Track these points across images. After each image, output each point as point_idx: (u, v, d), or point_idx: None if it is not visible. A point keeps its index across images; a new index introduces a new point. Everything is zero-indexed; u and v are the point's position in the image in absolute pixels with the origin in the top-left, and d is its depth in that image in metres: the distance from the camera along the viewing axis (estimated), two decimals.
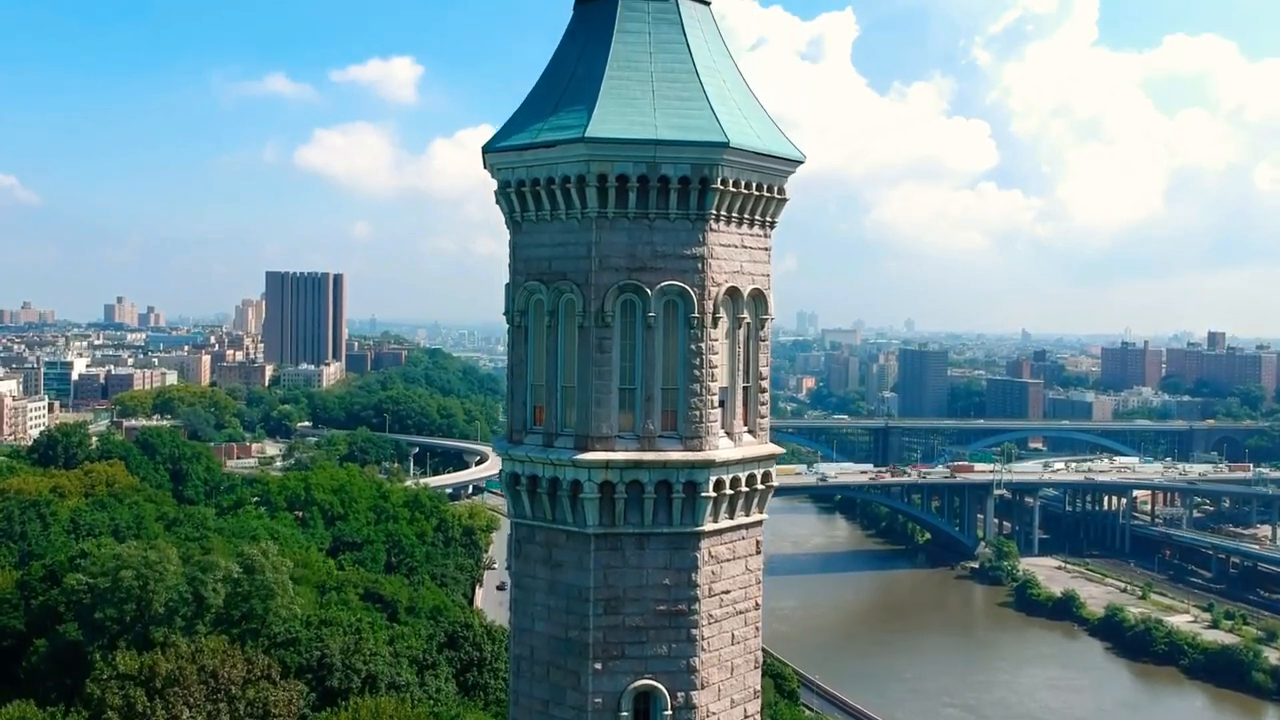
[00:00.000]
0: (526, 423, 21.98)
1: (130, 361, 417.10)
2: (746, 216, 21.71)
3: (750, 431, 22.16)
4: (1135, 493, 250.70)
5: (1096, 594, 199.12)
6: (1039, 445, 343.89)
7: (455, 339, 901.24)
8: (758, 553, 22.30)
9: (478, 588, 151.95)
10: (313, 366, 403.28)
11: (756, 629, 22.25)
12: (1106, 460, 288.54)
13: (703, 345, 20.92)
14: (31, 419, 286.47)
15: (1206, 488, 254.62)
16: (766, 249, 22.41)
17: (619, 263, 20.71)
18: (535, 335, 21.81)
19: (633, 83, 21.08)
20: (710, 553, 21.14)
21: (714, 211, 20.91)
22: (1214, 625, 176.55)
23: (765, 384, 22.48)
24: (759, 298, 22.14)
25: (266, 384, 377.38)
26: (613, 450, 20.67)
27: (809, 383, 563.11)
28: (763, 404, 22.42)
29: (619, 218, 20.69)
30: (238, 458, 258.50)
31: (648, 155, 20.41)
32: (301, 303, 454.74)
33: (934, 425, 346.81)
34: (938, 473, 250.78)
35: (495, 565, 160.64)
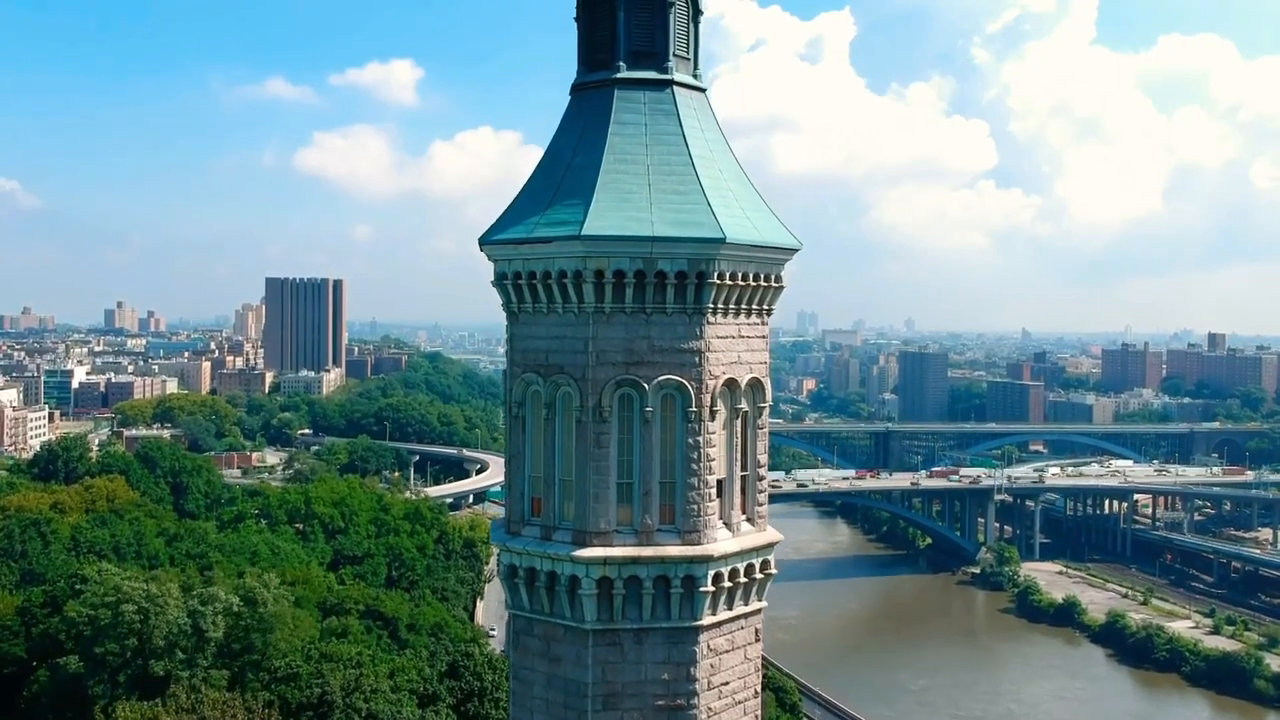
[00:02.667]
0: (524, 514, 21.93)
1: (130, 369, 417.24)
2: (744, 306, 21.67)
3: (749, 520, 22.12)
4: (1136, 496, 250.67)
5: (1098, 599, 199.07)
6: (1040, 448, 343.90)
7: (455, 340, 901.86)
8: (757, 641, 22.26)
9: (478, 600, 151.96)
10: (313, 373, 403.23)
11: (756, 717, 22.22)
12: (1100, 464, 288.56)
13: (700, 439, 20.89)
14: (32, 429, 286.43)
15: (1207, 491, 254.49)
16: (764, 336, 22.38)
17: (616, 357, 20.67)
18: (533, 427, 21.78)
19: (629, 176, 21.04)
20: (709, 646, 21.10)
21: (711, 305, 20.88)
22: (1215, 631, 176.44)
23: (763, 471, 22.44)
24: (757, 386, 22.11)
25: (267, 391, 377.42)
26: (611, 545, 20.63)
27: (809, 384, 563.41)
28: (761, 491, 22.38)
29: (616, 312, 20.66)
30: (238, 467, 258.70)
31: (644, 251, 20.38)
32: (301, 308, 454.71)
33: (934, 429, 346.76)
34: (921, 477, 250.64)
35: (495, 579, 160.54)
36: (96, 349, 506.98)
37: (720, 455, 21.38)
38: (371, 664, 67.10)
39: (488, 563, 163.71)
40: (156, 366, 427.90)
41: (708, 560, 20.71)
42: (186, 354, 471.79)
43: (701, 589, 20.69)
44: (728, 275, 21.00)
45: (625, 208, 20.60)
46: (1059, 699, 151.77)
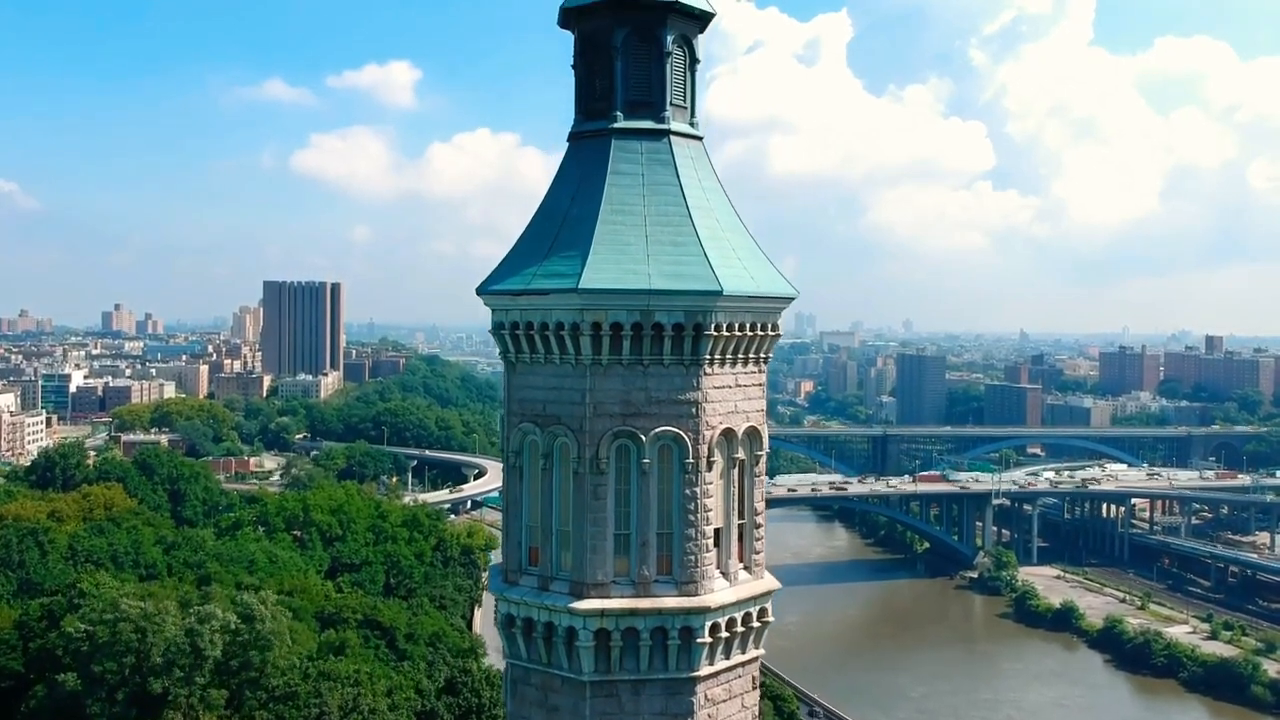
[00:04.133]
0: (522, 563, 21.97)
1: (128, 372, 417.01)
2: (740, 356, 21.71)
3: (746, 568, 22.16)
4: (1133, 500, 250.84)
5: (1095, 604, 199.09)
6: (1038, 451, 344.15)
7: (453, 342, 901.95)
8: (754, 688, 22.30)
9: (476, 608, 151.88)
10: (311, 377, 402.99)
11: None
12: (1097, 468, 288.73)
13: (697, 490, 20.93)
14: (29, 434, 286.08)
15: (1204, 495, 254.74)
16: (760, 385, 22.43)
17: (613, 409, 20.72)
18: (530, 476, 21.81)
19: (626, 227, 21.07)
20: (706, 695, 21.13)
21: (708, 356, 20.93)
22: (1213, 636, 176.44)
23: (760, 519, 22.49)
24: (753, 434, 22.15)
25: (264, 394, 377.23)
26: (608, 597, 20.66)
27: (807, 386, 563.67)
28: (758, 539, 22.42)
29: (613, 364, 20.70)
30: (235, 472, 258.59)
31: (641, 304, 20.42)
32: (299, 311, 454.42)
33: (932, 433, 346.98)
34: (905, 483, 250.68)
35: None
36: (94, 352, 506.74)
37: (717, 505, 21.43)
38: (369, 682, 67.06)
39: (485, 569, 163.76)
40: (154, 370, 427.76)
41: (705, 611, 20.74)
42: (184, 357, 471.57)
43: (699, 640, 20.72)
44: (725, 326, 21.05)
45: (622, 260, 20.64)
46: (1059, 706, 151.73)
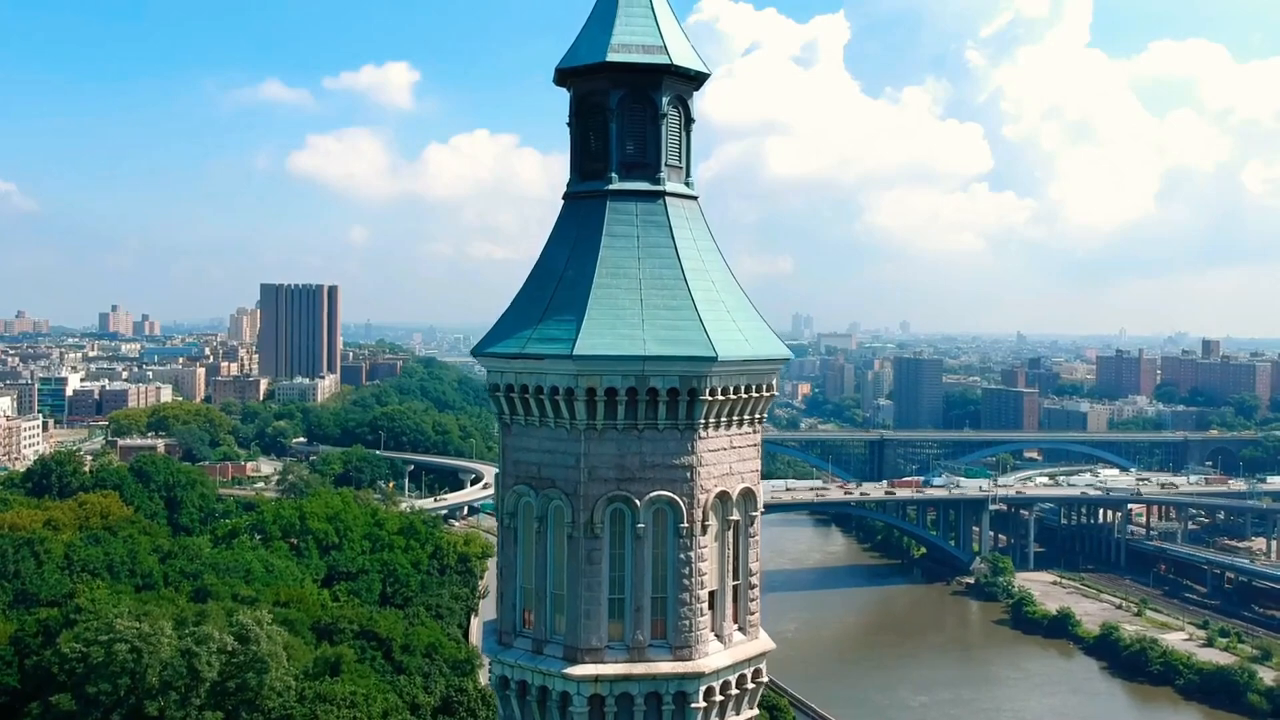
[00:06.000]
0: (516, 625, 21.93)
1: (125, 375, 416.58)
2: (735, 418, 21.70)
3: (741, 629, 22.13)
4: (1130, 506, 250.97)
5: (1092, 610, 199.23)
6: (1035, 456, 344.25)
7: (450, 343, 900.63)
8: None
9: (473, 617, 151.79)
10: (308, 380, 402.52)
11: None
12: (1089, 474, 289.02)
13: (692, 554, 20.91)
14: (26, 439, 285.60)
15: (1201, 501, 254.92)
16: (755, 445, 22.41)
17: (608, 474, 20.70)
18: (524, 538, 21.78)
19: (621, 291, 21.05)
20: None
21: (703, 420, 20.92)
22: (1209, 644, 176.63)
23: (755, 580, 22.46)
24: (748, 495, 22.13)
25: (261, 398, 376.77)
26: (602, 662, 20.63)
27: (804, 389, 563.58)
28: (753, 600, 22.39)
29: (608, 429, 20.69)
30: (232, 477, 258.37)
31: (636, 369, 20.41)
32: (296, 314, 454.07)
33: (929, 437, 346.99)
34: (880, 489, 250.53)
35: (489, 594, 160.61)
36: (91, 354, 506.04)
37: (712, 568, 21.41)
38: (365, 704, 66.95)
39: (482, 578, 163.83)
40: (151, 373, 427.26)
41: (699, 676, 20.72)
42: (181, 359, 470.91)
43: (693, 705, 20.70)
44: (719, 390, 21.04)
45: (617, 325, 20.61)
46: (1059, 716, 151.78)
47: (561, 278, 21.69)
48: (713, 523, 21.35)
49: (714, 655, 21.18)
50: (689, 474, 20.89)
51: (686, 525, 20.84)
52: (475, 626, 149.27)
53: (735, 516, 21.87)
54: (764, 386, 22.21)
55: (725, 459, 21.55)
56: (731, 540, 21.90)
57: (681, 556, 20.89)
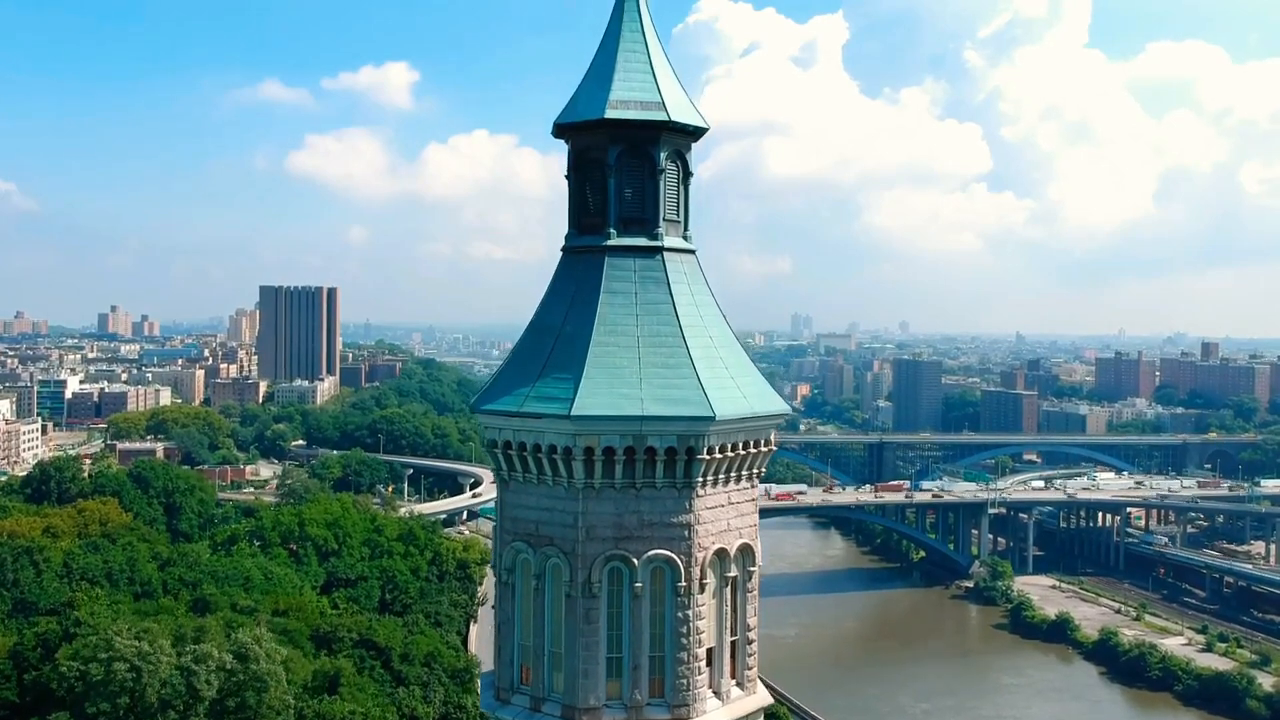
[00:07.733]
0: (514, 681, 21.90)
1: (124, 377, 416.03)
2: (733, 474, 21.68)
3: (739, 684, 22.09)
4: (1129, 509, 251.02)
5: (1091, 615, 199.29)
6: (1034, 459, 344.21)
7: (449, 343, 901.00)
8: None
9: (472, 624, 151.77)
10: (307, 382, 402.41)
11: None
12: (1085, 477, 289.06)
13: (690, 613, 20.86)
14: (25, 442, 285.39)
15: (1200, 504, 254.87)
16: (753, 500, 22.37)
17: (606, 532, 20.67)
18: (522, 595, 21.74)
19: (619, 349, 21.01)
20: None
21: (700, 478, 20.89)
22: (1208, 648, 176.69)
23: (753, 634, 22.42)
24: (746, 551, 22.09)
25: (261, 400, 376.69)
26: None
27: (803, 390, 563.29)
28: (751, 654, 22.35)
29: (605, 487, 20.65)
30: (231, 481, 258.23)
31: (634, 429, 20.38)
32: (295, 316, 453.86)
33: (928, 440, 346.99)
34: (865, 493, 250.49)
35: (488, 601, 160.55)
36: (90, 356, 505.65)
37: (710, 626, 21.37)
38: None
39: (481, 584, 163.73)
40: (150, 375, 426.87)
41: None
42: (181, 361, 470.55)
43: None
44: (717, 449, 21.00)
45: (615, 384, 20.58)
46: None
47: (560, 334, 21.65)
48: (710, 580, 21.31)
49: (712, 713, 21.14)
50: (687, 532, 20.86)
51: (684, 584, 20.80)
52: (474, 634, 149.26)
53: (733, 573, 21.83)
54: (762, 442, 22.17)
55: (723, 516, 21.53)
56: (730, 597, 21.86)
57: (679, 615, 20.85)
